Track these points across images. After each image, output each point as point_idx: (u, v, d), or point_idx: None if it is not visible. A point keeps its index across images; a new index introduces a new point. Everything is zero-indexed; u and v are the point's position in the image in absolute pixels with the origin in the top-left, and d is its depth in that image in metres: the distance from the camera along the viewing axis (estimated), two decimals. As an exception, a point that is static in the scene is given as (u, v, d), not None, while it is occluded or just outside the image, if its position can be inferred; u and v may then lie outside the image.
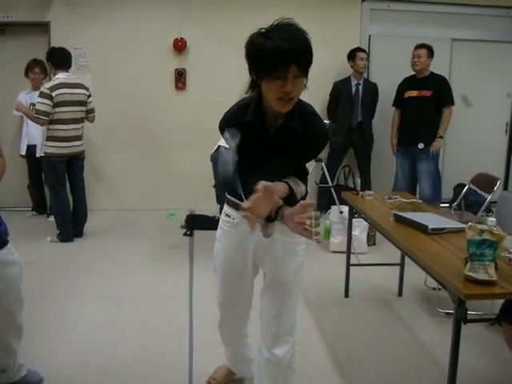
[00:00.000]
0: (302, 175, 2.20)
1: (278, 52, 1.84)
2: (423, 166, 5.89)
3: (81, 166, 5.83)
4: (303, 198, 2.15)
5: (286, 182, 2.03)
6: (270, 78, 1.90)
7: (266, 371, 2.41)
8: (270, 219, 1.92)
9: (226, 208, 2.36)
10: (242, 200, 2.12)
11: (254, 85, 2.04)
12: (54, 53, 5.57)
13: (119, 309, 4.00)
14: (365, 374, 3.11)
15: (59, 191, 5.64)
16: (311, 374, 3.10)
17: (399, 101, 6.11)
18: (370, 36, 7.05)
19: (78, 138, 5.67)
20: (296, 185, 2.07)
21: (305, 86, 2.02)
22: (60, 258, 5.21)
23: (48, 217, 6.43)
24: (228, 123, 2.12)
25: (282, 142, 2.09)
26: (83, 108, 5.67)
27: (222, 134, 2.11)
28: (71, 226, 5.73)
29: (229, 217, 2.33)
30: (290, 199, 1.98)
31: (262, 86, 1.97)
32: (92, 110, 5.82)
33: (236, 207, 2.25)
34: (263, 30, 1.93)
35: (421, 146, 5.82)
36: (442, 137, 5.87)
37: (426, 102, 5.82)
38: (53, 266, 4.94)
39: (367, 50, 6.75)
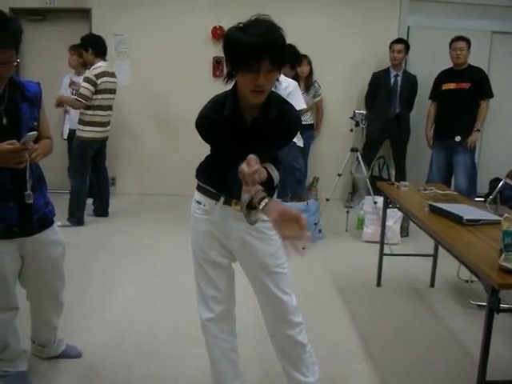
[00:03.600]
0: (276, 162, 2.23)
1: (251, 47, 1.91)
2: (459, 159, 5.85)
3: (105, 149, 6.14)
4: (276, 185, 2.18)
5: (265, 168, 2.06)
6: (244, 72, 1.97)
7: (283, 352, 2.45)
8: (252, 207, 1.96)
9: (197, 195, 2.35)
10: (215, 187, 2.22)
11: (230, 76, 2.08)
12: (95, 40, 5.69)
13: (153, 289, 4.11)
14: (395, 362, 3.15)
15: (83, 175, 5.85)
16: (342, 359, 3.15)
17: (436, 93, 6.06)
18: (408, 27, 7.01)
19: (109, 123, 5.93)
20: (272, 171, 2.11)
21: (277, 79, 2.07)
22: (94, 239, 5.39)
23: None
24: (205, 121, 2.15)
25: (260, 132, 2.14)
26: (114, 96, 5.89)
27: (200, 134, 2.15)
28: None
29: (199, 203, 2.33)
30: (268, 185, 2.02)
31: (237, 78, 2.04)
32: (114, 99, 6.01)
33: (208, 194, 2.28)
34: (241, 25, 1.98)
35: (458, 138, 5.78)
36: (479, 130, 5.82)
37: (464, 95, 5.76)
38: (88, 247, 5.09)
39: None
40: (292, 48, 5.44)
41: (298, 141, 5.26)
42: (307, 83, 6.52)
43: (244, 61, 1.94)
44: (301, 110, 4.95)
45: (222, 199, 2.26)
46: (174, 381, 2.88)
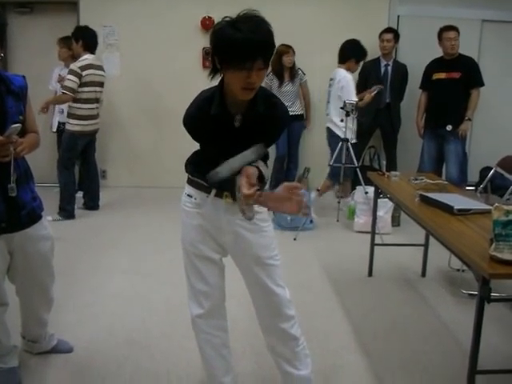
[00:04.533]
0: (264, 158, 2.20)
1: (246, 45, 1.88)
2: (451, 148, 5.84)
3: (95, 142, 6.11)
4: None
5: (256, 166, 2.04)
6: (235, 69, 1.93)
7: (276, 346, 2.43)
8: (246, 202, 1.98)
9: (187, 189, 2.33)
10: (206, 181, 2.18)
11: (215, 71, 2.06)
12: (87, 34, 5.66)
13: (145, 283, 4.09)
14: (388, 352, 3.15)
15: (70, 168, 5.84)
16: (334, 351, 3.15)
17: (427, 83, 6.05)
18: (398, 17, 6.99)
19: (98, 116, 5.90)
20: (263, 167, 2.09)
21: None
22: (85, 233, 5.36)
23: (76, 193, 6.55)
24: (193, 121, 2.13)
25: (249, 129, 2.12)
26: (102, 89, 5.86)
27: (189, 132, 2.15)
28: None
29: (190, 197, 2.31)
30: (259, 181, 2.02)
31: (226, 75, 2.00)
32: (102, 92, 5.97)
33: (199, 188, 2.26)
34: (229, 20, 1.94)
35: (449, 128, 5.77)
36: (470, 119, 5.81)
37: (455, 84, 5.75)
38: (78, 241, 5.08)
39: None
40: (358, 43, 5.67)
41: (343, 135, 5.46)
42: (292, 72, 6.49)
43: (237, 58, 1.90)
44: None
45: (213, 192, 2.23)
46: (165, 375, 2.87)
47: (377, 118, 6.47)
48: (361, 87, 6.57)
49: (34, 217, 2.57)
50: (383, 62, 6.49)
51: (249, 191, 1.91)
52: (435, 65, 5.96)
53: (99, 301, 3.76)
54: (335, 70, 5.75)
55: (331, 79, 5.78)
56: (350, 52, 5.70)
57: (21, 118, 2.44)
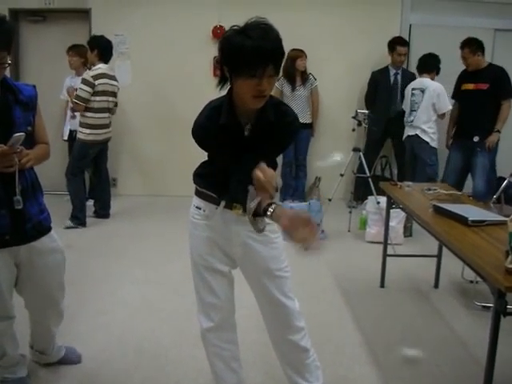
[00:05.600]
0: (275, 167, 2.16)
1: (258, 52, 1.86)
2: (478, 161, 5.65)
3: (107, 151, 6.11)
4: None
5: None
6: (246, 77, 1.91)
7: (286, 358, 2.41)
8: (258, 214, 1.94)
9: (196, 200, 2.31)
10: (215, 192, 2.18)
11: (225, 81, 2.05)
12: (102, 43, 5.67)
13: (156, 291, 4.07)
14: (400, 364, 3.11)
15: (80, 177, 5.88)
16: (346, 363, 3.11)
17: (457, 94, 5.91)
18: (410, 25, 6.95)
19: (110, 125, 5.90)
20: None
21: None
22: (96, 241, 5.35)
23: (87, 201, 6.55)
24: (202, 131, 2.10)
25: (259, 137, 2.10)
26: (115, 99, 5.88)
27: (198, 142, 2.11)
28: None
29: (199, 209, 2.28)
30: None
31: (236, 83, 1.97)
32: (116, 104, 6.00)
33: (208, 199, 2.23)
34: (238, 28, 1.93)
35: (476, 139, 5.63)
36: (499, 131, 5.63)
37: (483, 95, 5.59)
38: (89, 249, 5.07)
39: (407, 40, 6.67)
40: (436, 56, 5.94)
41: (432, 142, 5.82)
42: (304, 77, 6.49)
43: (248, 66, 1.88)
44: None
45: (222, 203, 2.21)
46: (176, 385, 2.85)
47: (388, 127, 6.44)
48: (370, 97, 6.57)
49: (41, 229, 2.50)
50: (392, 71, 6.48)
51: (266, 176, 1.87)
52: (464, 75, 5.79)
53: (109, 310, 3.75)
54: (419, 80, 5.93)
55: (415, 89, 5.90)
56: (434, 65, 5.92)
57: (29, 128, 2.38)
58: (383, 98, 6.46)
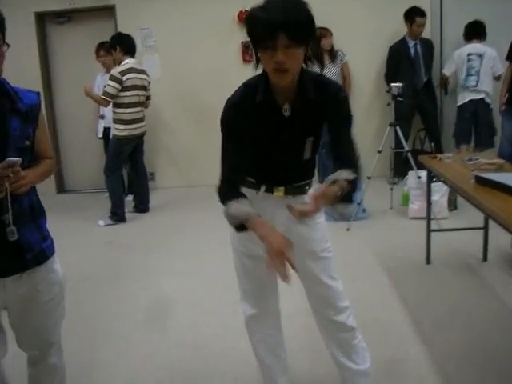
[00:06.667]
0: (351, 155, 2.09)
1: (265, 22, 1.80)
2: None
3: (143, 145, 6.12)
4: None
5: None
6: (262, 49, 1.86)
7: (332, 340, 2.34)
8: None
9: None
10: (254, 177, 2.13)
11: (258, 59, 1.97)
12: (123, 39, 5.69)
13: (197, 284, 4.05)
14: (451, 344, 2.99)
15: (117, 173, 5.89)
16: (394, 343, 3.02)
17: None
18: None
19: (143, 119, 5.89)
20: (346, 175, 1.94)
21: (309, 59, 1.95)
22: (136, 235, 5.39)
23: (126, 196, 6.58)
24: (235, 111, 2.00)
25: (301, 118, 2.00)
26: (145, 93, 5.86)
27: (229, 127, 2.03)
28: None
29: None
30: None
31: (261, 58, 1.92)
32: (149, 97, 6.01)
33: (247, 185, 2.14)
34: (261, 4, 1.88)
35: None
36: None
37: None
38: (130, 243, 5.12)
39: (439, 11, 6.45)
40: (482, 23, 5.93)
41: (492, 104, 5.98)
42: (332, 54, 6.37)
43: (259, 37, 1.84)
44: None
45: (263, 188, 2.15)
46: (220, 377, 2.81)
47: (416, 99, 6.29)
48: (391, 71, 6.38)
49: (42, 258, 2.09)
50: (411, 43, 6.32)
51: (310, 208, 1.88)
52: None
53: (151, 304, 3.74)
54: (472, 45, 5.95)
55: (471, 54, 5.91)
56: (482, 31, 5.95)
57: (27, 143, 2.00)
58: (406, 71, 6.28)
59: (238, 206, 1.93)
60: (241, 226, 1.96)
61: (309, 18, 1.86)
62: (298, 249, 2.21)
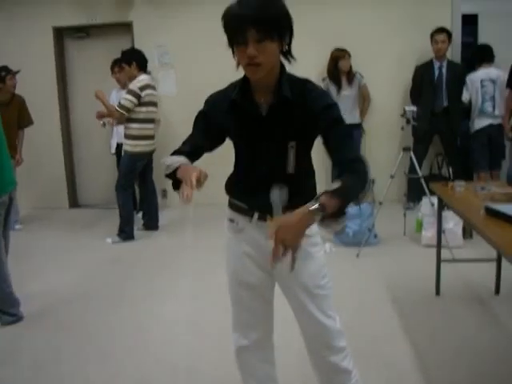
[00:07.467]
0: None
1: (235, 16, 1.81)
2: None
3: (152, 163, 6.05)
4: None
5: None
6: (236, 45, 1.85)
7: (326, 381, 2.21)
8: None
9: (228, 212, 2.16)
10: (246, 203, 2.05)
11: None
12: (138, 55, 5.67)
13: (197, 306, 3.96)
14: (455, 382, 2.84)
15: (129, 190, 5.84)
16: (395, 381, 2.87)
17: None
18: (462, 16, 6.60)
19: (154, 136, 5.86)
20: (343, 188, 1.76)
21: (286, 51, 1.90)
22: (142, 254, 5.35)
23: (137, 213, 6.53)
24: (212, 102, 2.09)
25: (278, 118, 1.93)
26: (157, 109, 5.85)
27: (203, 114, 2.13)
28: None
29: (232, 222, 2.13)
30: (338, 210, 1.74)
31: (235, 55, 1.90)
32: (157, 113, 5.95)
33: (240, 211, 2.08)
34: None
35: None
36: None
37: None
38: (135, 262, 5.07)
39: (460, 31, 6.34)
40: (490, 46, 5.92)
41: None
42: (349, 77, 6.29)
43: (230, 32, 1.84)
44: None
45: (255, 215, 2.05)
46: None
47: (434, 124, 6.15)
48: (415, 91, 6.29)
49: None
50: (436, 64, 6.19)
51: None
52: None
53: (152, 326, 3.67)
54: (485, 71, 5.91)
55: (484, 80, 5.88)
56: (491, 55, 5.93)
57: None
58: (427, 93, 6.18)
59: (174, 158, 2.02)
60: (175, 183, 1.97)
61: (281, 12, 1.84)
62: (292, 283, 2.11)
